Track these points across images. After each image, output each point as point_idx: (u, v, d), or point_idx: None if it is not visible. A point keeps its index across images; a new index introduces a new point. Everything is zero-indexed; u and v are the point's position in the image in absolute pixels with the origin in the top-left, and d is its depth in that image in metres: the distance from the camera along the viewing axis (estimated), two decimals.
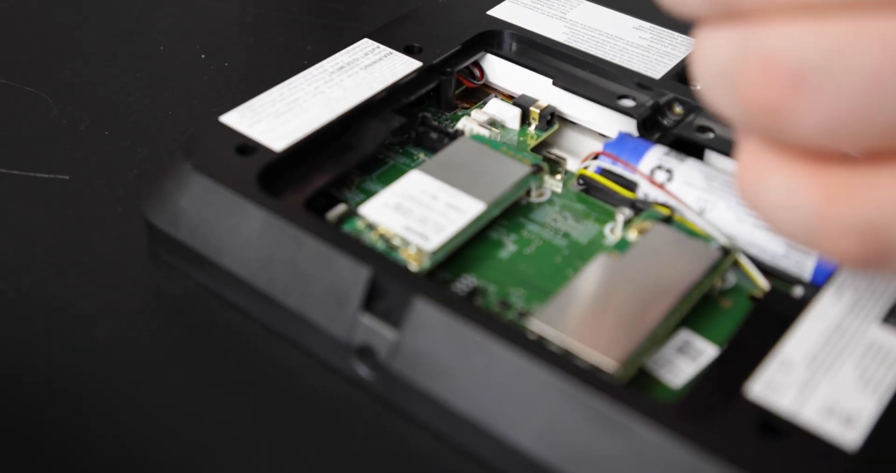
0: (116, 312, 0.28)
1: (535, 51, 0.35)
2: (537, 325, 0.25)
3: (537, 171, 0.30)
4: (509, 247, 0.29)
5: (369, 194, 0.30)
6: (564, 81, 0.33)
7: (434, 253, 0.27)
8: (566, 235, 0.30)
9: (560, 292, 0.26)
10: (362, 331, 0.26)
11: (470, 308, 0.25)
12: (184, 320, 0.28)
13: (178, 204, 0.28)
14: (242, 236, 0.27)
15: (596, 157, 0.31)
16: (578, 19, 0.35)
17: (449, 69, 0.34)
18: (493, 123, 0.33)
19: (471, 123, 0.33)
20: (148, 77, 0.37)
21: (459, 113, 0.34)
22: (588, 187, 0.31)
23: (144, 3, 0.42)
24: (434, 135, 0.32)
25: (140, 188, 0.32)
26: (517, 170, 0.30)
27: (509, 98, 0.35)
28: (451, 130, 0.32)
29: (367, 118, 0.31)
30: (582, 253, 0.29)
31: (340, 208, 0.29)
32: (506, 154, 0.31)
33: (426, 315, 0.25)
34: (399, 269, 0.26)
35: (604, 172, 0.31)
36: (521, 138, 0.34)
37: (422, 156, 0.32)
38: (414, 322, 0.25)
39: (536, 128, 0.34)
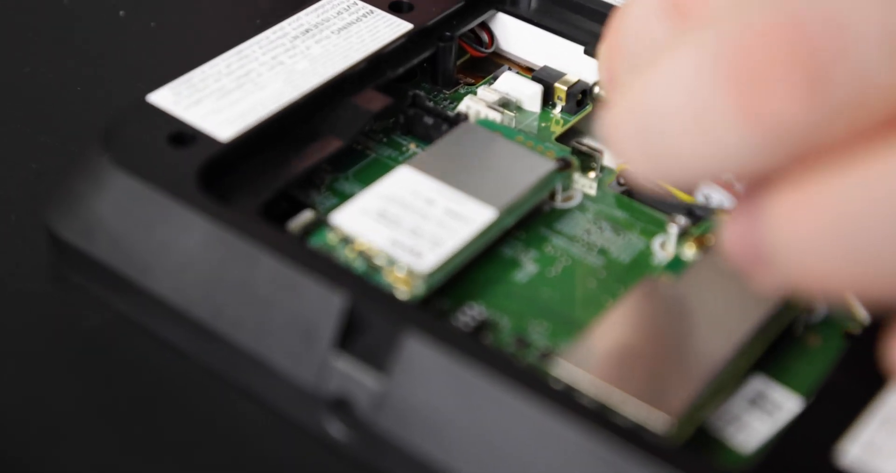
0: (12, 352, 0.29)
1: (560, 8, 0.36)
2: (566, 369, 0.26)
3: (565, 167, 0.31)
4: (528, 267, 0.30)
5: (344, 198, 0.31)
6: None
7: (430, 275, 0.28)
8: (603, 251, 0.30)
9: (595, 327, 0.27)
10: (336, 377, 0.27)
11: (477, 347, 0.26)
12: (101, 361, 0.29)
13: (92, 210, 0.29)
14: (179, 252, 0.28)
15: None
16: None
17: (449, 33, 0.35)
18: (505, 103, 0.34)
19: (477, 103, 0.34)
20: (49, 43, 0.38)
21: (462, 91, 0.35)
22: (631, 188, 0.32)
23: None
24: (429, 119, 0.33)
25: (42, 189, 0.33)
26: (538, 166, 0.31)
27: (527, 71, 0.36)
28: (450, 114, 0.33)
29: (341, 98, 0.32)
30: (623, 276, 0.30)
31: (306, 216, 0.30)
32: (523, 145, 0.32)
33: (420, 356, 0.25)
34: (384, 296, 0.27)
35: None
36: (543, 124, 0.35)
37: (413, 147, 0.33)
38: (404, 366, 0.26)
39: (563, 110, 0.35)
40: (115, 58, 0.38)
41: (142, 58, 0.38)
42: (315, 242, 0.29)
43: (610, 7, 0.35)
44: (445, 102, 0.35)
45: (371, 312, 0.26)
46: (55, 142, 0.35)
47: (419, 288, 0.28)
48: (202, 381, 0.28)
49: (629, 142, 0.22)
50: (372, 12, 0.34)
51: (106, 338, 0.29)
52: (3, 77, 0.37)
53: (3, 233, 0.32)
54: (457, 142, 0.32)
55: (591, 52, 0.34)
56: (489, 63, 0.37)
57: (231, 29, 0.39)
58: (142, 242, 0.29)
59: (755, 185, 0.22)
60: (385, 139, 0.33)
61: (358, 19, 0.34)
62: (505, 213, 0.30)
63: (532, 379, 0.25)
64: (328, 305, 0.26)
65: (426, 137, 0.33)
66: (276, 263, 0.27)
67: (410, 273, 0.28)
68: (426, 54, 0.34)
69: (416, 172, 0.30)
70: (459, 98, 0.35)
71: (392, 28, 0.34)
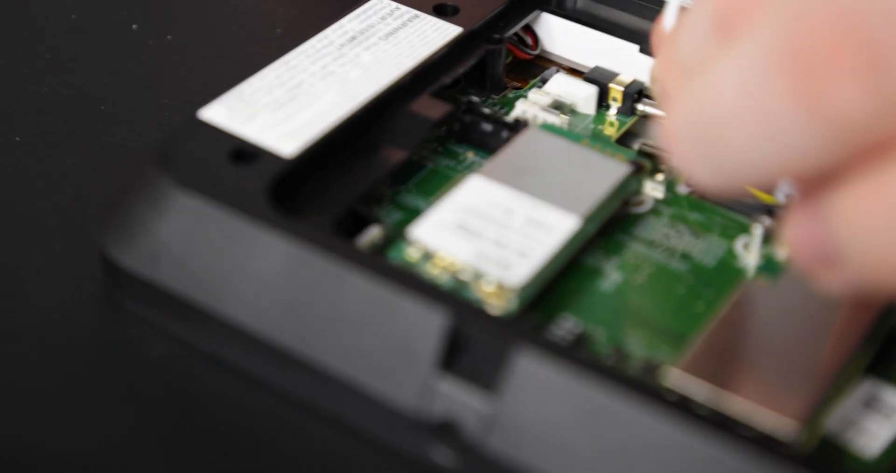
0: (73, 389, 0.28)
1: (608, 6, 0.36)
2: (681, 379, 0.26)
3: (638, 170, 0.31)
4: (612, 276, 0.30)
5: (410, 211, 0.31)
6: None
7: (523, 289, 0.28)
8: (685, 256, 0.31)
9: (701, 335, 0.27)
10: (441, 399, 0.26)
11: (591, 361, 0.25)
12: (171, 395, 0.28)
13: (156, 235, 0.29)
14: (255, 275, 0.28)
15: None
16: None
17: (497, 36, 0.35)
18: (558, 106, 0.34)
19: (531, 107, 0.34)
20: (64, 60, 0.37)
21: (510, 95, 0.35)
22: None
23: None
24: (487, 126, 0.33)
25: (82, 214, 0.32)
26: (613, 170, 0.31)
27: (574, 73, 0.36)
28: (507, 119, 0.33)
29: (397, 106, 0.32)
30: (711, 280, 0.30)
31: (375, 232, 0.30)
32: (593, 149, 0.32)
33: (532, 373, 0.25)
34: (487, 312, 0.26)
35: None
36: (597, 127, 0.35)
37: (470, 155, 0.33)
38: (515, 383, 0.25)
39: (619, 112, 0.35)
40: (133, 73, 0.37)
41: (162, 72, 0.37)
42: (392, 257, 0.29)
43: (660, 3, 0.35)
44: (496, 108, 0.35)
45: (475, 329, 0.26)
46: (85, 163, 0.34)
47: (512, 302, 0.28)
48: (288, 412, 0.28)
49: (689, 148, 0.23)
50: (417, 16, 0.34)
51: (175, 370, 0.29)
52: (21, 98, 0.36)
53: (49, 263, 0.31)
54: (524, 148, 0.31)
55: (646, 50, 0.34)
56: (533, 65, 0.37)
57: (247, 39, 0.38)
58: (213, 265, 0.28)
59: (815, 183, 0.22)
60: (440, 148, 0.33)
61: (404, 24, 0.34)
62: (588, 220, 0.30)
63: (650, 391, 0.25)
64: (428, 324, 0.26)
65: (483, 145, 0.33)
66: (367, 282, 0.27)
67: (502, 287, 0.28)
68: (477, 58, 0.34)
69: (488, 182, 0.30)
70: (508, 103, 0.35)
71: (441, 32, 0.34)
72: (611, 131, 0.34)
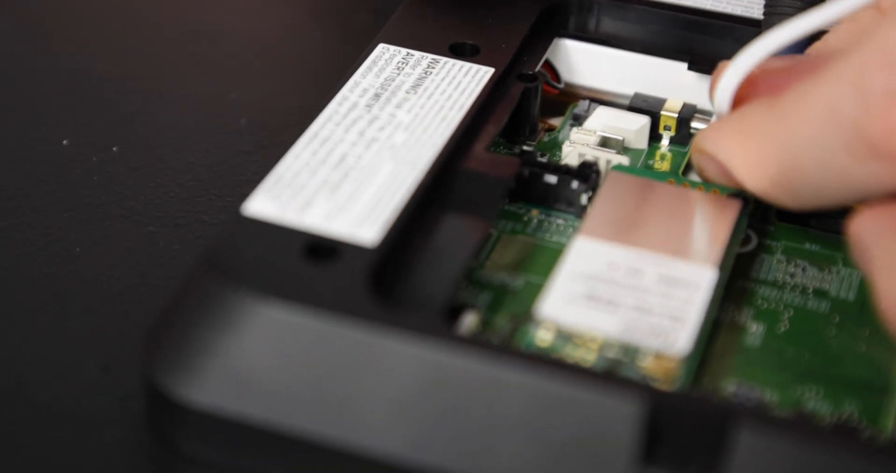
0: None
1: (635, 23, 0.36)
2: None
3: (745, 205, 0.32)
4: (753, 328, 0.30)
5: (495, 289, 0.30)
6: (708, 63, 0.35)
7: (690, 357, 0.28)
8: (820, 293, 0.31)
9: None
10: None
11: (816, 430, 0.26)
12: None
13: (234, 358, 0.27)
14: (382, 391, 0.27)
15: None
16: None
17: (530, 72, 0.35)
18: (605, 143, 0.35)
19: (581, 149, 0.34)
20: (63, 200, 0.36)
21: (546, 139, 0.35)
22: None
23: None
24: (551, 178, 0.33)
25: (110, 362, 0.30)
26: (725, 209, 0.31)
27: (610, 105, 0.36)
28: (565, 167, 0.33)
29: (458, 167, 0.31)
30: (858, 315, 0.30)
31: (472, 318, 0.29)
32: (695, 187, 0.32)
33: (758, 451, 0.25)
34: (680, 392, 0.26)
35: None
36: (649, 161, 0.35)
37: (535, 214, 0.33)
38: (741, 465, 0.25)
39: (673, 142, 0.35)
40: (119, 186, 0.36)
41: (149, 181, 0.36)
42: (525, 345, 0.28)
43: (696, 12, 0.36)
44: (538, 155, 0.35)
45: (679, 412, 0.26)
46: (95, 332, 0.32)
47: (681, 375, 0.28)
48: None
49: None
50: (436, 60, 0.34)
51: None
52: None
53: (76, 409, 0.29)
54: (615, 197, 0.32)
55: (697, 68, 0.35)
56: (556, 102, 0.37)
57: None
58: (323, 386, 0.27)
59: None
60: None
61: (426, 71, 0.34)
62: (723, 269, 0.30)
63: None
64: (619, 415, 0.26)
65: (546, 200, 0.33)
66: (531, 381, 0.26)
67: (664, 359, 0.28)
68: (515, 100, 0.34)
69: (597, 242, 0.30)
70: (546, 147, 0.35)
71: (471, 75, 0.33)
72: (663, 166, 0.35)
